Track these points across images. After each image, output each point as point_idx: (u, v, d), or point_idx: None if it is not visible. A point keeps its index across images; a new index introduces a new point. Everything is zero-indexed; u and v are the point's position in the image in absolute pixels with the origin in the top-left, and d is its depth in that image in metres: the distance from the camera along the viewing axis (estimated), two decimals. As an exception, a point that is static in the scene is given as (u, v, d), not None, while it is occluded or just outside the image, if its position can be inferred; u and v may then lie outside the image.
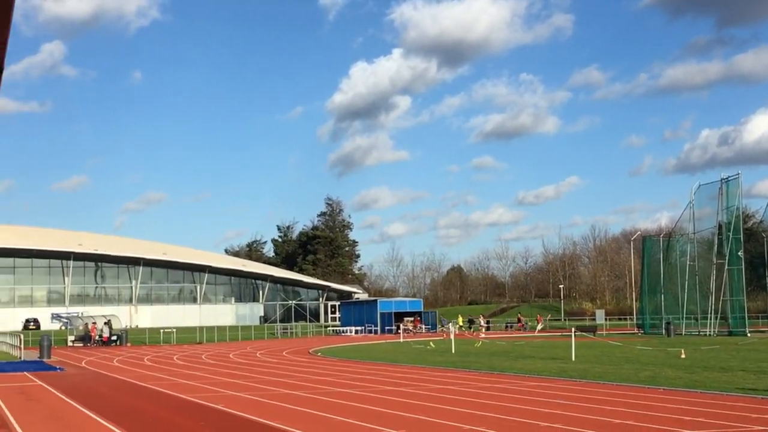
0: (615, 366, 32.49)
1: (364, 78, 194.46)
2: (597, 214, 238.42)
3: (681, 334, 67.67)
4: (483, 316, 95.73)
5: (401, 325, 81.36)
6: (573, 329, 43.21)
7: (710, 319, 68.26)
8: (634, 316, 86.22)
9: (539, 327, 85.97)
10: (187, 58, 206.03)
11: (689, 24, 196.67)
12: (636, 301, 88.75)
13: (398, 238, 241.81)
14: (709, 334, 66.30)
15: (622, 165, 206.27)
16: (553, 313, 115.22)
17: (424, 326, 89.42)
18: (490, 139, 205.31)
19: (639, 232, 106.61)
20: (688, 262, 72.22)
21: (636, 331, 77.46)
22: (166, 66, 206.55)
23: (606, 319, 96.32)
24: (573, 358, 36.27)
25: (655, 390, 23.31)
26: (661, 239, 77.18)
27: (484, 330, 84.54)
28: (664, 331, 67.06)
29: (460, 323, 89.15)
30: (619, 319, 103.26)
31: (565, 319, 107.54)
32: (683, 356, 37.14)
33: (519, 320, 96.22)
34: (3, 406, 22.04)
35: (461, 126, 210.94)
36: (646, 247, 77.60)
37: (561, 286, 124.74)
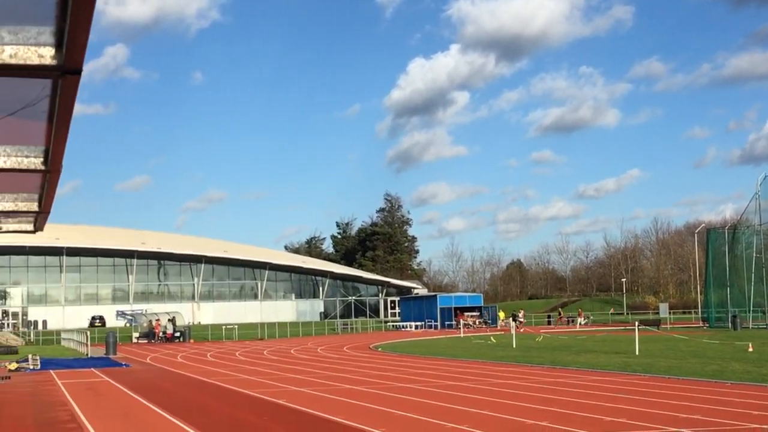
0: (680, 360, 32.01)
1: (422, 74, 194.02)
2: (660, 207, 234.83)
3: (748, 327, 66.41)
4: (522, 310, 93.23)
5: (461, 320, 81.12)
6: (636, 323, 42.69)
7: (777, 312, 67.05)
8: (699, 309, 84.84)
9: (581, 321, 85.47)
10: (247, 58, 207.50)
11: (753, 13, 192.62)
12: (701, 294, 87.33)
13: (457, 233, 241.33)
14: (777, 328, 65.01)
15: (685, 157, 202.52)
16: (615, 307, 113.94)
17: (480, 321, 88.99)
18: (549, 133, 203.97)
19: (703, 225, 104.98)
20: (754, 255, 70.91)
21: (701, 324, 76.20)
22: (226, 66, 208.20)
23: (670, 313, 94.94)
24: (637, 352, 35.81)
25: (722, 384, 22.92)
26: (726, 231, 75.81)
27: (523, 325, 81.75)
28: (730, 324, 65.88)
29: (502, 318, 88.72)
30: (684, 313, 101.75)
31: (627, 313, 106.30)
32: (751, 350, 36.44)
33: (560, 314, 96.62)
34: (72, 402, 22.44)
35: (520, 120, 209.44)
36: (711, 239, 76.30)
37: (623, 279, 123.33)
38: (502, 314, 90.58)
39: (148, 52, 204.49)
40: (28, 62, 3.02)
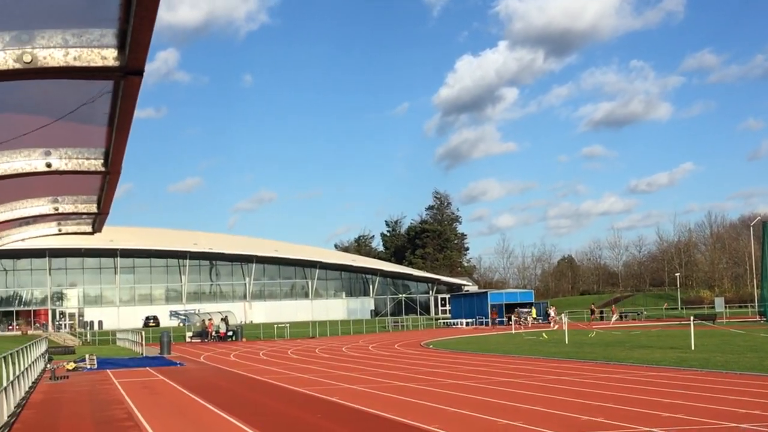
0: (737, 355, 31.55)
1: (470, 71, 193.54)
2: (714, 200, 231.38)
3: (805, 321, 65.32)
4: (554, 307, 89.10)
5: (512, 317, 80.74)
6: (691, 318, 42.15)
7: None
8: (756, 303, 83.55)
9: (614, 318, 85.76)
10: (296, 59, 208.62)
11: None
12: (757, 288, 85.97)
13: (507, 229, 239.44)
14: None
15: (739, 149, 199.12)
16: (669, 302, 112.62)
17: (532, 317, 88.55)
18: (600, 128, 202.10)
19: (759, 218, 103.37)
20: (811, 247, 69.73)
21: (758, 318, 75.02)
22: (276, 68, 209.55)
23: (726, 307, 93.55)
24: (692, 347, 35.37)
25: (780, 379, 22.58)
26: (782, 224, 74.56)
27: (555, 321, 78.88)
28: (787, 318, 64.83)
29: (534, 315, 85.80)
30: (740, 307, 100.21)
31: (682, 308, 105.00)
32: (808, 344, 35.85)
33: (593, 311, 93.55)
34: (129, 400, 22.75)
35: (570, 115, 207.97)
36: (767, 232, 75.04)
37: (677, 274, 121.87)
38: (534, 312, 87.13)
39: (199, 55, 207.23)
40: (92, 64, 3.08)
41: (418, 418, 16.78)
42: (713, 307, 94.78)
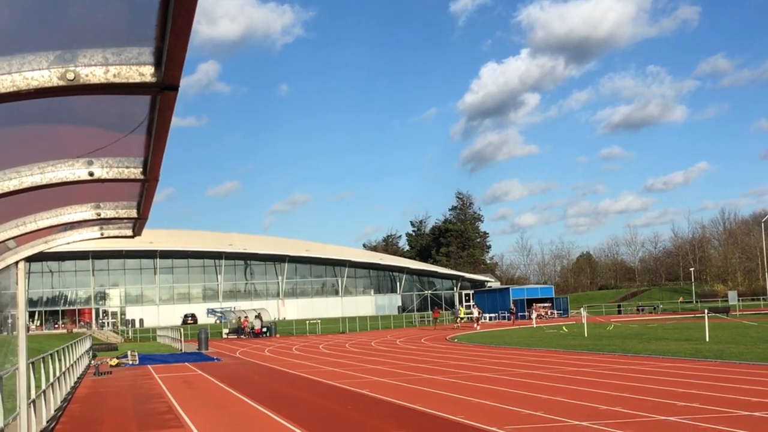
0: (751, 346, 31.32)
1: (494, 78, 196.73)
2: (727, 198, 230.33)
3: (816, 312, 64.68)
4: (476, 306, 79.10)
5: (533, 311, 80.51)
6: (706, 310, 41.87)
7: None
8: None
9: (535, 316, 74.64)
10: (329, 70, 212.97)
11: None
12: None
13: (529, 228, 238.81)
14: None
15: (752, 149, 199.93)
16: (684, 296, 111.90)
17: (556, 311, 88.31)
18: (618, 130, 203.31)
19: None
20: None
21: (770, 311, 74.47)
22: (310, 78, 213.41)
23: (738, 300, 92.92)
24: (707, 339, 35.14)
25: (792, 368, 22.40)
26: (792, 219, 73.90)
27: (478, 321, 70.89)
28: (798, 310, 64.20)
29: (462, 314, 75.03)
30: (752, 300, 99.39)
31: (696, 301, 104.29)
32: (820, 335, 35.53)
33: (512, 312, 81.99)
34: (169, 394, 22.92)
35: (589, 119, 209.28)
36: (777, 227, 74.42)
37: (691, 269, 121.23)
38: (462, 310, 75.89)
39: (238, 67, 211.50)
40: (130, 80, 3.14)
41: (444, 409, 16.81)
42: (727, 301, 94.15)
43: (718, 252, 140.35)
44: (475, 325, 67.60)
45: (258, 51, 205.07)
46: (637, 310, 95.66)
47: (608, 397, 17.55)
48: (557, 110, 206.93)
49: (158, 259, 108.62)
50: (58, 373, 21.26)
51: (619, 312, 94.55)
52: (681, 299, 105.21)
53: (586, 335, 44.04)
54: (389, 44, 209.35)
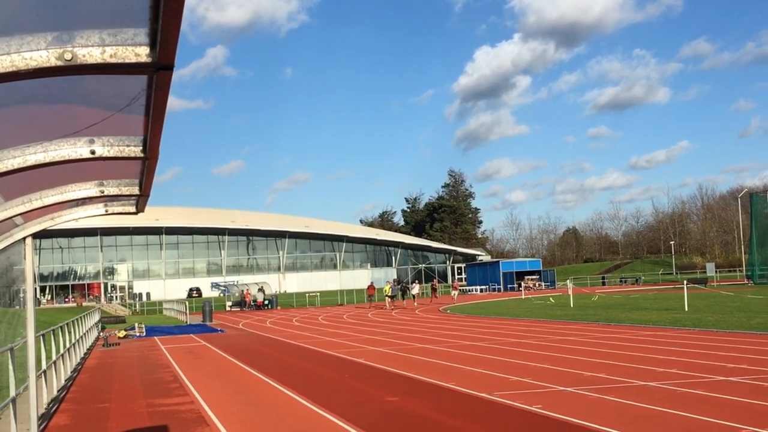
0: (727, 315, 31.43)
1: (487, 61, 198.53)
2: (707, 175, 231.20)
3: (790, 283, 65.01)
4: (417, 281, 69.30)
5: (522, 283, 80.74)
6: (685, 282, 41.99)
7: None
8: (744, 267, 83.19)
9: (455, 294, 63.44)
10: (331, 54, 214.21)
11: None
12: (744, 253, 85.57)
13: (519, 204, 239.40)
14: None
15: (730, 128, 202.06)
16: (665, 268, 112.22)
17: (543, 283, 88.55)
18: (605, 111, 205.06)
19: (746, 190, 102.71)
20: (794, 216, 69.41)
21: (746, 281, 74.71)
22: (314, 62, 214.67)
23: (716, 272, 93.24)
24: (686, 309, 35.26)
25: (767, 336, 22.47)
26: (767, 195, 74.11)
27: (417, 299, 61.33)
28: (773, 281, 64.55)
29: (388, 292, 58.82)
30: (729, 271, 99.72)
31: (676, 273, 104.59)
32: (793, 304, 35.66)
33: (434, 288, 71.35)
34: (174, 364, 22.95)
35: (577, 100, 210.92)
36: (754, 202, 74.60)
37: (671, 242, 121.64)
38: (387, 288, 59.67)
39: (245, 51, 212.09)
40: (126, 60, 3.10)
41: (436, 376, 16.86)
42: (705, 272, 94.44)
43: (697, 226, 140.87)
44: (414, 303, 58.45)
45: (264, 36, 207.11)
46: (620, 281, 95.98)
47: (592, 364, 17.61)
48: (547, 92, 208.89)
49: (164, 236, 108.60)
50: (68, 345, 21.27)
51: (603, 284, 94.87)
52: (661, 271, 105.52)
53: (571, 306, 44.17)
54: (389, 29, 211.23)
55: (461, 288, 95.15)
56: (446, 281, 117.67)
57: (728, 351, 19.06)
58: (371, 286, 63.88)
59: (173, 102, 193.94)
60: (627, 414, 11.63)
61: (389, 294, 57.64)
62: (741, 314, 31.28)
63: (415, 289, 60.73)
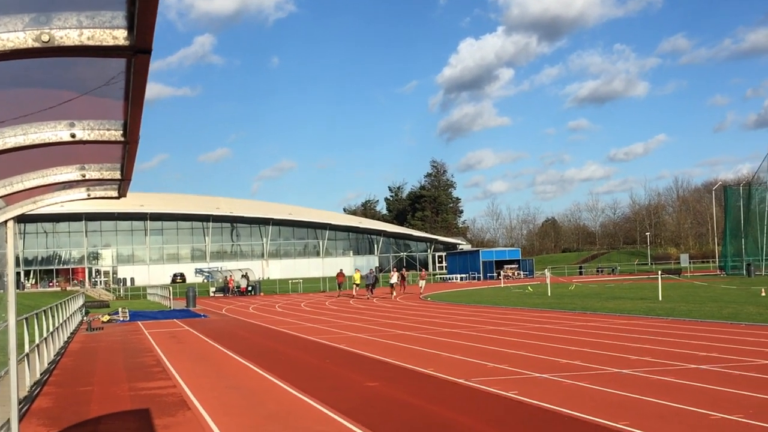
0: (699, 304, 31.65)
1: (471, 53, 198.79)
2: (683, 167, 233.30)
3: (761, 274, 65.54)
4: (396, 269, 61.33)
5: (501, 272, 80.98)
6: (659, 272, 42.25)
7: (788, 260, 66.57)
8: (717, 258, 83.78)
9: (422, 284, 56.66)
10: (318, 44, 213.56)
11: None
12: (718, 245, 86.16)
13: (500, 194, 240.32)
14: (789, 274, 64.29)
15: (706, 122, 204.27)
16: (640, 258, 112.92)
17: (522, 272, 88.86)
18: (585, 104, 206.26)
19: (720, 183, 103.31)
20: (766, 209, 70.02)
21: (718, 272, 75.27)
22: (300, 52, 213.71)
23: (690, 263, 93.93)
24: (660, 298, 35.48)
25: (737, 325, 22.65)
26: (741, 189, 74.65)
27: (395, 289, 53.97)
28: (745, 271, 65.11)
29: (357, 281, 56.00)
30: (702, 262, 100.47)
31: (651, 264, 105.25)
32: (763, 294, 35.94)
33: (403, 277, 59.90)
34: (157, 348, 22.87)
35: (558, 93, 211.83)
36: (728, 195, 75.15)
37: (647, 233, 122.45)
38: (357, 276, 56.66)
39: (232, 40, 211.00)
40: (104, 43, 3.06)
41: (415, 362, 16.88)
42: (679, 263, 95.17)
43: (672, 218, 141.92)
44: (393, 293, 52.89)
45: (251, 25, 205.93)
46: (597, 271, 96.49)
47: (568, 352, 17.68)
48: (529, 84, 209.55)
49: (149, 221, 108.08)
50: (51, 329, 21.14)
51: (581, 273, 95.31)
52: (637, 261, 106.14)
53: (549, 294, 44.36)
54: (375, 20, 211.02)
55: (441, 276, 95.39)
56: (428, 269, 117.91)
57: (700, 340, 19.19)
58: (340, 273, 60.50)
59: (160, 89, 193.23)
60: (600, 400, 11.69)
61: (357, 282, 55.74)
62: (713, 304, 31.51)
63: (394, 278, 55.00)
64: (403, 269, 67.36)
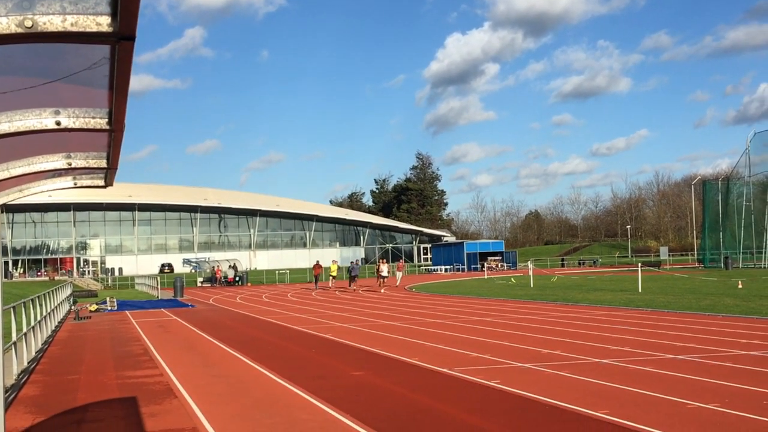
0: (678, 296, 31.81)
1: (458, 48, 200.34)
2: (664, 162, 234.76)
3: (738, 267, 66.00)
4: (383, 261, 55.56)
5: (485, 264, 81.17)
6: (639, 264, 42.43)
7: (765, 253, 67.22)
8: (695, 251, 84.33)
9: (400, 276, 56.04)
10: (307, 37, 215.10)
11: None
12: (697, 238, 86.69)
13: (484, 187, 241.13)
14: (764, 267, 64.72)
15: (687, 118, 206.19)
16: (621, 251, 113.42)
17: (505, 264, 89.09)
18: (569, 99, 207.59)
19: (699, 177, 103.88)
20: (744, 203, 70.52)
21: (697, 265, 75.74)
22: (289, 45, 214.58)
23: (669, 255, 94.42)
24: (640, 290, 35.64)
25: (715, 317, 22.77)
26: (719, 183, 75.09)
27: (383, 283, 51.28)
28: (722, 264, 65.53)
29: (334, 273, 54.50)
30: (681, 255, 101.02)
31: (632, 256, 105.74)
32: (740, 287, 36.16)
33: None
34: (145, 338, 22.78)
35: (542, 88, 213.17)
36: (706, 190, 75.59)
37: (628, 226, 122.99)
38: (333, 268, 54.80)
39: (222, 33, 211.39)
40: (87, 29, 3.02)
41: (400, 352, 16.88)
42: (659, 255, 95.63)
43: (652, 211, 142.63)
44: (380, 288, 50.13)
45: (241, 19, 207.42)
46: (579, 263, 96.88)
47: (549, 342, 17.73)
48: (514, 79, 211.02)
49: (137, 212, 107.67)
50: (39, 318, 21.01)
51: (563, 265, 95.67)
52: (617, 254, 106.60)
53: (532, 286, 44.48)
54: (363, 15, 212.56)
55: (426, 268, 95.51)
56: (413, 261, 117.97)
57: (678, 330, 19.28)
58: (317, 265, 57.19)
59: (150, 81, 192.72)
60: (581, 389, 11.72)
61: (334, 274, 54.23)
62: (691, 296, 31.67)
63: (384, 270, 51.54)
64: (382, 260, 65.02)
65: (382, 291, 48.25)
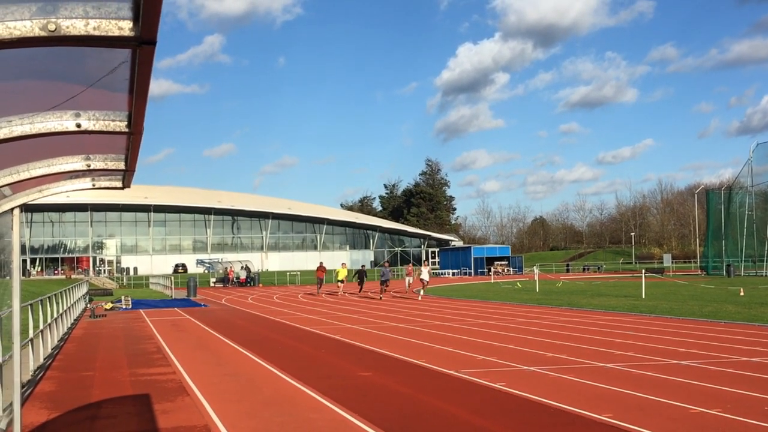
0: (681, 303, 31.66)
1: (469, 57, 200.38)
2: (668, 171, 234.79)
3: (740, 275, 65.68)
4: (387, 263, 54.40)
5: (492, 268, 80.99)
6: (643, 271, 42.27)
7: (766, 262, 66.77)
8: (698, 259, 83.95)
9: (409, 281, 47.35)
10: (323, 46, 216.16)
11: (756, 5, 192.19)
12: (699, 246, 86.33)
13: (492, 193, 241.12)
14: (766, 275, 64.35)
15: (691, 128, 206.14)
16: (625, 258, 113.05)
17: (511, 269, 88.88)
18: (576, 108, 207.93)
19: (702, 186, 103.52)
20: (746, 212, 70.26)
21: (699, 272, 75.40)
22: (306, 53, 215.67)
23: (672, 262, 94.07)
24: (643, 296, 35.49)
25: (717, 323, 22.65)
26: (722, 192, 74.81)
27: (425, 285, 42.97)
28: (725, 272, 65.25)
29: (341, 277, 47.94)
30: (684, 262, 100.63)
31: (635, 263, 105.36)
32: (742, 294, 35.97)
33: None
34: (158, 336, 22.80)
35: (551, 97, 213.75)
36: (709, 199, 75.33)
37: (632, 234, 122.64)
38: (341, 273, 48.15)
39: (240, 40, 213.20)
40: (109, 34, 3.01)
41: (408, 354, 16.84)
42: (662, 262, 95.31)
43: (656, 219, 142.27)
44: (380, 294, 43.59)
45: (260, 27, 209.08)
46: (583, 269, 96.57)
47: (554, 346, 17.66)
48: (524, 89, 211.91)
49: (152, 213, 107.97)
50: (55, 315, 21.06)
51: (568, 271, 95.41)
52: (622, 260, 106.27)
53: (537, 291, 44.36)
54: (378, 24, 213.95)
55: (434, 272, 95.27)
56: (420, 264, 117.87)
57: (680, 336, 19.18)
58: (321, 268, 50.27)
59: (170, 86, 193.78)
60: (585, 392, 11.67)
61: (341, 279, 47.62)
62: (694, 302, 31.52)
63: (424, 273, 42.85)
64: (386, 261, 60.11)
65: (421, 296, 42.15)
